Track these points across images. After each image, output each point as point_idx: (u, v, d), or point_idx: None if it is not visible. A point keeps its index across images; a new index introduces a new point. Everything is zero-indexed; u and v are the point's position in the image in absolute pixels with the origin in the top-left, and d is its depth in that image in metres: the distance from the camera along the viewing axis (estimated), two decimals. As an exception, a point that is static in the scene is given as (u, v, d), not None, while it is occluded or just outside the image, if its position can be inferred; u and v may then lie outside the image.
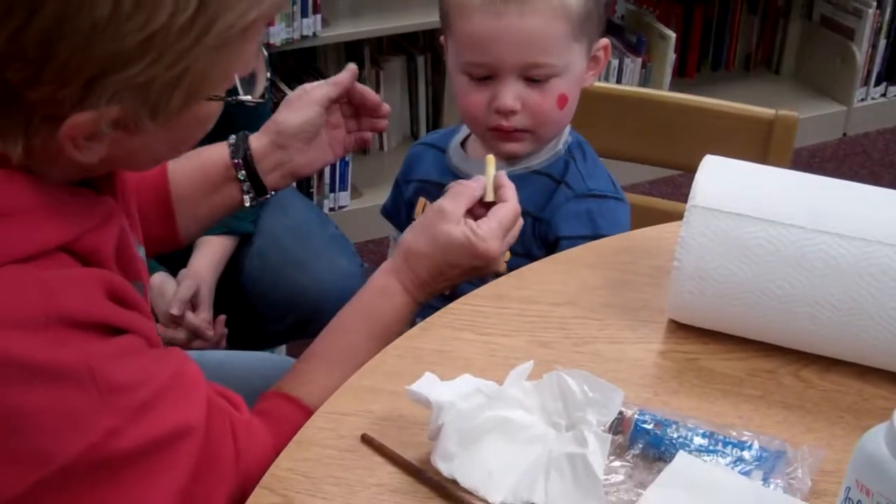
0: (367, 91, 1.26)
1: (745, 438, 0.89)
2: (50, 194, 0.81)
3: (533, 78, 1.22)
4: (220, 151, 1.20)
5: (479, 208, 1.13)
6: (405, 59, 2.68)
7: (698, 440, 0.88)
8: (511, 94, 1.22)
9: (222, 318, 1.55)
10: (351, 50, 2.62)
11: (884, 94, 3.13)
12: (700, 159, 1.02)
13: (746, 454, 0.87)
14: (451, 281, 1.10)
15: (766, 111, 1.46)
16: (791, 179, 1.02)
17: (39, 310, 0.76)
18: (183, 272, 1.54)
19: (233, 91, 0.90)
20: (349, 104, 1.26)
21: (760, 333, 0.99)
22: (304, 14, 2.36)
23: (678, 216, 1.01)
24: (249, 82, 0.97)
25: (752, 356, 1.00)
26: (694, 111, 1.51)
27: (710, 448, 0.88)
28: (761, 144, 1.46)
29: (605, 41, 1.28)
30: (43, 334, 0.76)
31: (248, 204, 1.22)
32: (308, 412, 0.95)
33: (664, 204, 1.56)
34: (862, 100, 3.09)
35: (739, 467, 0.86)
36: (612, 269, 1.11)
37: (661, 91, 2.31)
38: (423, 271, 1.09)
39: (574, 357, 0.99)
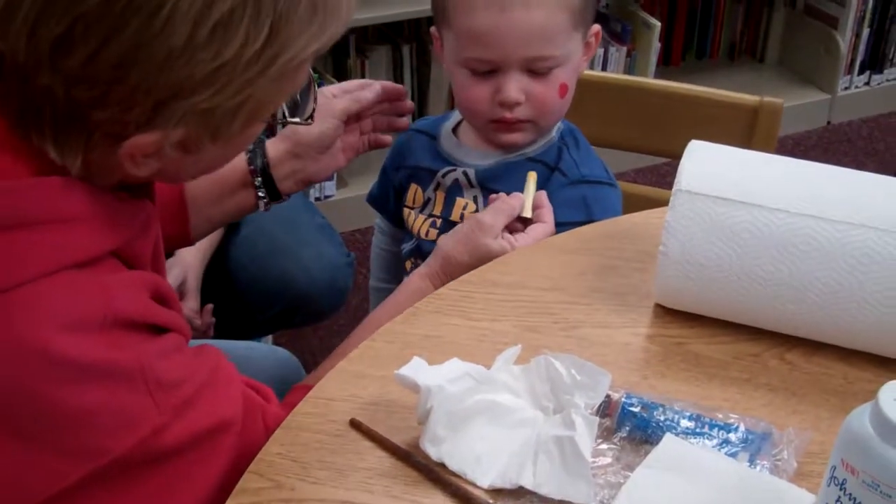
0: (388, 87, 1.30)
1: (731, 421, 0.90)
2: (103, 202, 0.84)
3: (536, 70, 1.22)
4: (237, 158, 1.21)
5: (516, 222, 1.17)
6: (391, 49, 2.68)
7: (685, 423, 0.89)
8: (515, 87, 1.22)
9: (209, 307, 1.54)
10: (336, 39, 2.61)
11: (867, 83, 3.14)
12: (685, 146, 1.02)
13: (733, 436, 0.88)
14: None
15: (751, 98, 1.46)
16: (776, 164, 1.02)
17: (98, 313, 0.79)
18: (170, 261, 1.54)
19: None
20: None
21: (746, 317, 1.00)
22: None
23: (664, 203, 1.01)
24: (294, 101, 1.04)
25: (739, 340, 1.00)
26: (678, 98, 1.51)
27: (697, 430, 0.88)
28: (746, 131, 1.46)
29: (596, 27, 1.29)
30: (99, 336, 0.79)
31: (261, 209, 1.25)
32: None
33: (650, 191, 1.57)
34: (846, 88, 3.10)
35: (726, 449, 0.87)
36: (599, 254, 1.11)
37: (646, 78, 2.31)
38: (457, 276, 1.11)
39: (562, 341, 0.99)
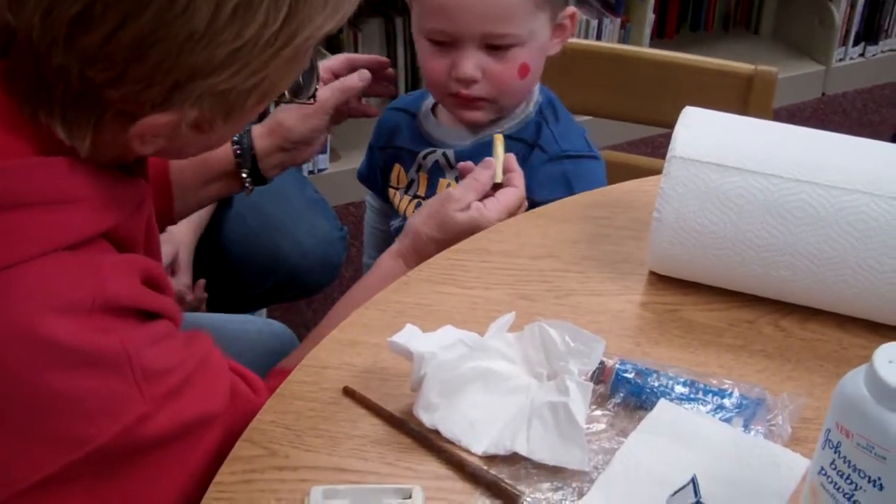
0: (371, 61, 1.32)
1: (725, 387, 0.89)
2: (101, 182, 0.82)
3: (494, 46, 1.21)
4: (224, 148, 1.23)
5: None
6: (383, 21, 2.66)
7: (679, 389, 0.89)
8: (471, 62, 1.21)
9: (202, 282, 1.54)
10: (328, 11, 2.59)
11: (862, 54, 3.13)
12: (679, 115, 1.01)
13: (727, 402, 0.88)
14: None
15: (745, 66, 1.46)
16: (771, 130, 1.02)
17: (87, 296, 0.78)
18: (162, 237, 1.53)
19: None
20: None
21: (741, 284, 1.00)
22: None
23: (658, 172, 1.01)
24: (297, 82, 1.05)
25: (733, 306, 1.00)
26: (673, 67, 1.50)
27: (691, 396, 0.88)
28: (741, 101, 1.46)
29: (571, 9, 1.27)
30: (88, 320, 0.78)
31: (246, 194, 1.27)
32: None
33: (644, 161, 1.56)
34: (840, 59, 3.09)
35: (720, 415, 0.87)
36: (593, 222, 1.11)
37: (640, 47, 2.30)
38: (431, 255, 1.10)
39: (555, 309, 0.99)
